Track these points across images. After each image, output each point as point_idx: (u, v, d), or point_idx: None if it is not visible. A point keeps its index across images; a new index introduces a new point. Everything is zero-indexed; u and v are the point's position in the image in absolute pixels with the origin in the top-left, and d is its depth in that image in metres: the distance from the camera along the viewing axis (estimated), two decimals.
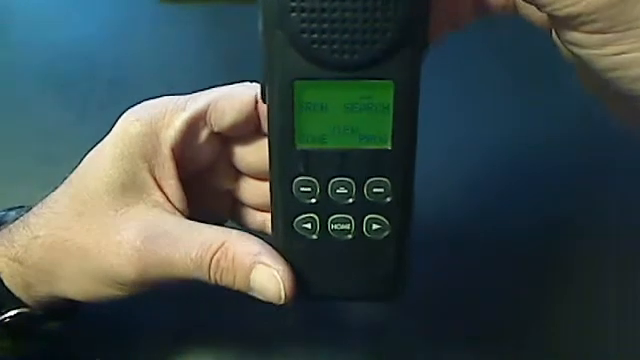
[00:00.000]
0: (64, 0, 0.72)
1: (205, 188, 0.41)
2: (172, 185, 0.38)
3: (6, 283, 0.39)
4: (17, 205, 0.44)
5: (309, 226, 0.34)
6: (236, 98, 0.37)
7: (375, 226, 0.34)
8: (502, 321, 0.47)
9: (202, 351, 0.46)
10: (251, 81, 0.37)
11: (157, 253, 0.35)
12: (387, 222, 0.33)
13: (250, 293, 0.35)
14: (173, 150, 0.37)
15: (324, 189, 0.33)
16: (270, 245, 0.35)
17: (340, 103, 0.31)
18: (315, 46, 0.30)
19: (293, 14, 0.29)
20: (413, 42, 0.30)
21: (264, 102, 0.32)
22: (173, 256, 0.35)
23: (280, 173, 0.33)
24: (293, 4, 0.29)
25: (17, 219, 0.40)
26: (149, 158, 0.37)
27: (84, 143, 0.39)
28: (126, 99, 0.39)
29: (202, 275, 0.35)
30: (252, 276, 0.34)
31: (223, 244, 0.34)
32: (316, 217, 0.34)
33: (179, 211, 0.38)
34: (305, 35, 0.30)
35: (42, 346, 0.43)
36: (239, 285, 0.34)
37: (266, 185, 0.35)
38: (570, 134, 0.56)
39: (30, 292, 0.39)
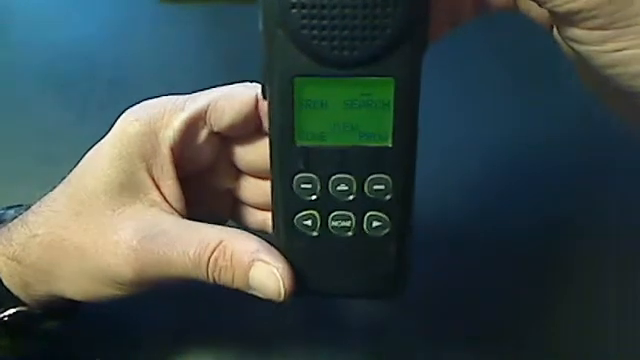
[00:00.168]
0: (64, 0, 0.72)
1: (205, 188, 0.41)
2: (170, 185, 0.37)
3: (4, 282, 0.39)
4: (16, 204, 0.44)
5: (309, 223, 0.34)
6: (236, 98, 0.37)
7: (375, 223, 0.34)
8: (502, 321, 0.47)
9: (202, 351, 0.46)
10: (251, 81, 0.37)
11: (154, 252, 0.35)
12: (388, 219, 0.33)
13: (249, 291, 0.34)
14: (172, 150, 0.37)
15: (324, 186, 0.33)
16: (270, 244, 0.35)
17: (340, 100, 0.31)
18: (315, 42, 0.30)
19: (293, 10, 0.29)
20: (413, 39, 0.30)
21: (264, 99, 0.32)
22: (171, 255, 0.35)
23: (280, 170, 0.33)
24: (293, 0, 0.29)
25: (16, 217, 0.40)
26: (147, 158, 0.37)
27: (84, 143, 0.39)
28: (126, 99, 0.39)
29: (200, 274, 0.35)
30: (251, 274, 0.34)
31: (221, 242, 0.34)
32: (316, 214, 0.34)
33: (177, 211, 0.38)
34: (305, 31, 0.29)
35: (41, 345, 0.43)
36: (238, 283, 0.34)
37: (267, 184, 0.35)
38: (570, 134, 0.56)
39: (28, 291, 0.39)
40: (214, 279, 0.35)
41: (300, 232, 0.34)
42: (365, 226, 0.34)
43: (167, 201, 0.38)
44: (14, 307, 0.39)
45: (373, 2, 0.29)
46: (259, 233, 0.36)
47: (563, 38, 0.31)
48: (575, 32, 0.29)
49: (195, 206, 0.39)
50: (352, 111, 0.31)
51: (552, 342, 0.46)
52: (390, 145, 0.32)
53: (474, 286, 0.48)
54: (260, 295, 0.34)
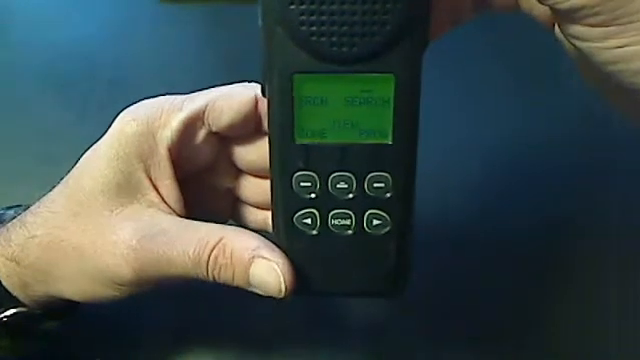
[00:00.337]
0: (64, 0, 0.72)
1: (205, 187, 0.41)
2: (168, 185, 0.37)
3: (3, 282, 0.39)
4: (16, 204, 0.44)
5: (309, 221, 0.34)
6: (234, 98, 0.37)
7: (376, 221, 0.33)
8: (502, 321, 0.47)
9: (202, 351, 0.46)
10: (251, 81, 0.37)
11: (154, 252, 0.35)
12: (388, 217, 0.33)
13: (249, 289, 0.34)
14: (170, 150, 0.37)
15: (324, 184, 0.33)
16: (271, 242, 0.35)
17: (340, 97, 0.31)
18: (314, 39, 0.30)
19: (292, 6, 0.29)
20: (413, 35, 0.30)
21: (264, 97, 0.32)
22: (170, 254, 0.35)
23: (280, 168, 0.33)
24: None
25: (15, 218, 0.40)
26: (145, 158, 0.37)
27: (84, 143, 0.39)
28: (126, 99, 0.38)
29: (200, 272, 0.35)
30: (251, 271, 0.34)
31: (221, 240, 0.34)
32: (316, 212, 0.33)
33: (175, 211, 0.38)
34: (304, 28, 0.29)
35: (41, 346, 0.43)
36: (238, 281, 0.34)
37: (267, 183, 0.35)
38: (571, 134, 0.56)
39: (27, 291, 0.39)
40: (214, 277, 0.35)
41: (300, 231, 0.34)
42: (365, 224, 0.34)
43: (165, 201, 0.37)
44: (14, 307, 0.39)
45: None
46: (260, 232, 0.36)
47: (565, 35, 0.31)
48: (577, 29, 0.29)
49: (195, 206, 0.39)
50: (352, 108, 0.31)
51: (552, 342, 0.46)
52: (390, 142, 0.32)
53: (474, 286, 0.48)
54: (261, 292, 0.34)
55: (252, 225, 0.41)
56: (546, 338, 0.46)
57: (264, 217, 0.41)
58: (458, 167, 0.55)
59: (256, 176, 0.40)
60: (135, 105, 0.38)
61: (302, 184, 0.33)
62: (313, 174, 0.33)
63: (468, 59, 0.62)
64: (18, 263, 0.38)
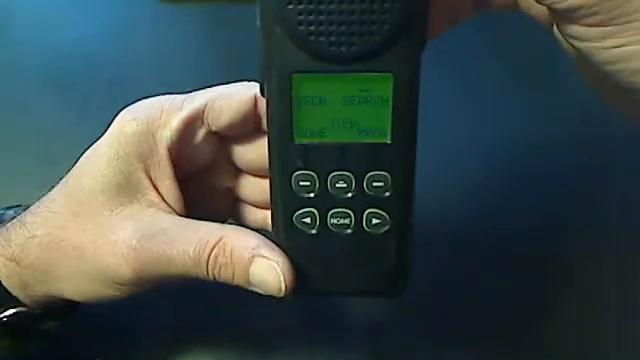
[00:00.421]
0: (64, 0, 0.72)
1: (204, 187, 0.41)
2: (168, 185, 0.37)
3: (3, 282, 0.39)
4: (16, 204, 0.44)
5: (308, 220, 0.34)
6: (234, 97, 0.37)
7: (375, 221, 0.33)
8: (502, 321, 0.47)
9: (202, 351, 0.46)
10: (250, 81, 0.37)
11: (154, 251, 0.35)
12: (387, 217, 0.33)
13: (249, 288, 0.34)
14: (169, 150, 0.37)
15: (323, 183, 0.33)
16: (271, 241, 0.35)
17: (339, 96, 0.31)
18: (312, 38, 0.30)
19: (290, 6, 0.29)
20: (411, 34, 0.30)
21: (263, 96, 0.32)
22: (170, 253, 0.35)
23: (279, 167, 0.33)
24: None
25: (15, 218, 0.40)
26: (145, 158, 0.37)
27: (84, 143, 0.39)
28: (126, 99, 0.38)
29: (200, 271, 0.35)
30: (251, 270, 0.34)
31: (221, 239, 0.34)
32: (315, 211, 0.34)
33: (175, 211, 0.37)
34: (302, 27, 0.29)
35: (41, 346, 0.43)
36: (238, 280, 0.34)
37: (266, 182, 0.35)
38: (570, 134, 0.56)
39: (27, 291, 0.39)
40: (214, 276, 0.35)
41: (299, 230, 0.34)
42: (364, 223, 0.34)
43: (165, 201, 0.37)
44: (14, 307, 0.39)
45: None
46: (259, 231, 0.36)
47: (563, 35, 0.31)
48: (575, 29, 0.29)
49: (195, 205, 0.39)
50: (351, 107, 0.31)
51: (552, 342, 0.46)
52: (389, 141, 0.32)
53: (474, 286, 0.48)
54: (261, 291, 0.34)
55: (252, 224, 0.41)
56: (546, 338, 0.46)
57: (264, 216, 0.41)
58: (457, 167, 0.55)
59: (256, 175, 0.40)
60: (135, 105, 0.38)
61: (301, 183, 0.33)
62: (312, 173, 0.33)
63: (467, 58, 0.62)
64: (18, 263, 0.38)
